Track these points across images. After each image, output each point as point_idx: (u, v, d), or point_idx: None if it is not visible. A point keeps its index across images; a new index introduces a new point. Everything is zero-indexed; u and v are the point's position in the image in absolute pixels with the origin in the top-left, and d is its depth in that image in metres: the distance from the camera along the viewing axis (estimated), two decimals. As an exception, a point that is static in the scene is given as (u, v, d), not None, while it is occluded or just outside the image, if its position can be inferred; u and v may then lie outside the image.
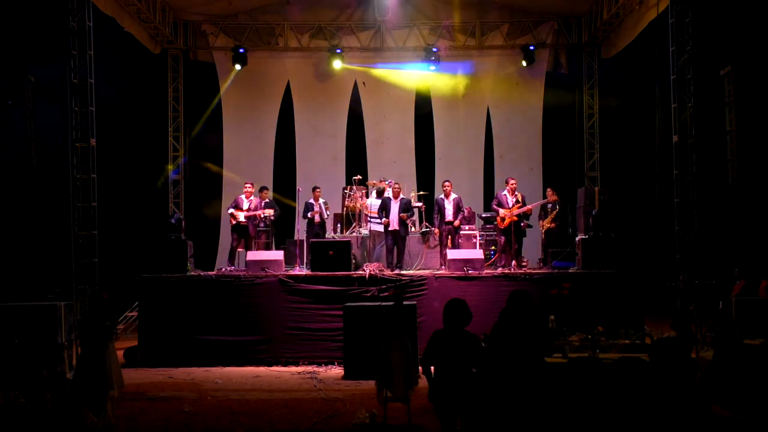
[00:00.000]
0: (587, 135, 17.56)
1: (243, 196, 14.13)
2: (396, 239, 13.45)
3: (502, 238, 14.06)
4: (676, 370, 5.53)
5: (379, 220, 14.02)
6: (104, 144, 13.52)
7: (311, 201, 14.49)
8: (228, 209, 14.19)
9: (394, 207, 13.47)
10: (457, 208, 13.82)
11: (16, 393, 8.89)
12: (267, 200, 14.51)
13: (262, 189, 14.73)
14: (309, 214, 14.37)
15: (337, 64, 17.31)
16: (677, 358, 5.58)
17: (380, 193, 14.73)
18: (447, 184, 14.14)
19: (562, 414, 5.22)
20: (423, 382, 9.81)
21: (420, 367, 7.39)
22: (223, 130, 17.80)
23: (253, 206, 14.04)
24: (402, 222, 13.44)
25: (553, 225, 14.69)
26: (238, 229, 14.07)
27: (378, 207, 13.82)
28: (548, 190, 15.10)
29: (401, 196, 13.73)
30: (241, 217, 13.97)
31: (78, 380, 8.12)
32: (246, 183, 14.35)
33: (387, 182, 14.82)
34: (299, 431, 8.04)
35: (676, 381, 5.47)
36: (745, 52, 15.34)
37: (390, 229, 13.41)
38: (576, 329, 9.66)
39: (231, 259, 14.34)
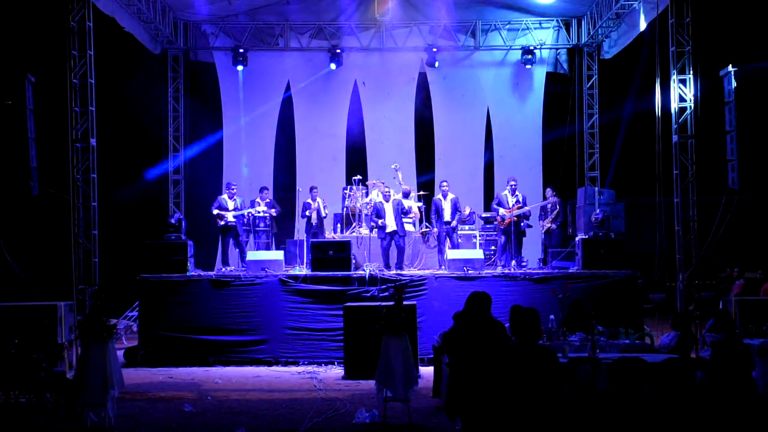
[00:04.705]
0: (587, 135, 17.56)
1: (226, 196, 14.15)
2: (394, 240, 13.44)
3: (502, 238, 14.09)
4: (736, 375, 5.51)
5: (410, 220, 14.13)
6: (104, 144, 13.53)
7: (308, 201, 14.51)
8: (212, 210, 14.19)
9: (388, 209, 13.46)
10: (455, 209, 13.83)
11: (16, 393, 8.89)
12: (268, 200, 14.53)
13: (263, 189, 14.74)
14: (307, 212, 14.40)
15: (337, 64, 17.31)
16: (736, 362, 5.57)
17: (406, 195, 14.75)
18: (445, 184, 14.17)
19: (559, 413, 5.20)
20: (423, 382, 9.88)
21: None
22: (223, 130, 17.79)
23: (239, 205, 14.10)
24: (400, 223, 13.44)
25: (553, 225, 14.69)
26: (226, 230, 14.09)
27: (372, 213, 13.81)
28: (548, 189, 15.11)
29: (392, 197, 13.72)
30: (230, 217, 13.99)
31: (78, 380, 8.13)
32: (231, 184, 14.40)
33: (384, 183, 14.85)
34: (299, 431, 8.04)
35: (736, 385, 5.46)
36: (745, 52, 15.32)
37: (388, 231, 13.40)
38: (576, 329, 9.68)
39: (225, 260, 14.38)
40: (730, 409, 5.39)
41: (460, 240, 14.09)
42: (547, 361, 5.20)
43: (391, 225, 13.39)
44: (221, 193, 14.50)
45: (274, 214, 14.44)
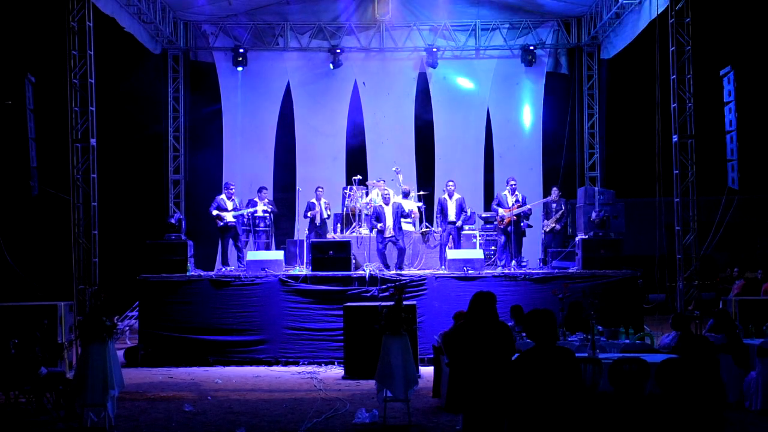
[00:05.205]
0: (587, 135, 17.56)
1: (224, 197, 14.17)
2: (393, 243, 13.41)
3: (502, 238, 14.08)
4: (707, 369, 5.51)
5: (409, 221, 14.11)
6: (104, 144, 13.53)
7: (313, 201, 14.50)
8: (211, 211, 14.18)
9: (388, 213, 13.43)
10: (460, 209, 13.81)
11: (16, 393, 8.89)
12: (267, 200, 14.53)
13: (261, 189, 14.73)
14: (309, 213, 14.40)
15: (337, 64, 17.31)
16: (708, 357, 5.57)
17: (406, 195, 14.73)
18: (450, 183, 14.15)
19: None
20: (423, 382, 9.87)
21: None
22: (223, 130, 17.79)
23: (237, 205, 14.17)
24: (398, 227, 13.41)
25: (557, 226, 14.63)
26: (226, 230, 14.11)
27: (372, 215, 13.77)
28: (553, 189, 15.02)
29: (392, 201, 13.68)
30: (230, 217, 14.01)
31: (78, 380, 8.13)
32: (229, 184, 14.43)
33: (384, 182, 14.83)
34: (299, 431, 8.05)
35: (707, 380, 5.45)
36: (745, 52, 15.34)
37: (387, 235, 13.36)
38: (576, 329, 9.68)
39: (225, 260, 14.37)
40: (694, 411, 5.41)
41: (461, 240, 14.07)
42: (568, 362, 5.18)
43: (389, 230, 13.35)
44: (220, 194, 14.50)
45: (275, 210, 14.49)
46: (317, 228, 14.37)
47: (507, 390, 5.29)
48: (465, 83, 17.83)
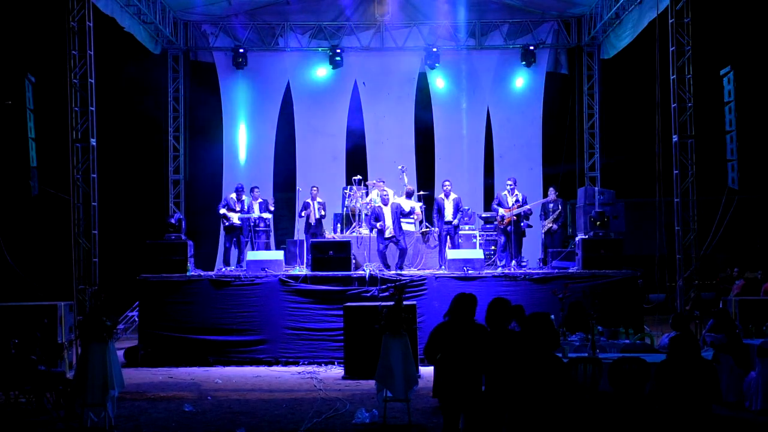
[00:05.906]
0: (587, 135, 17.56)
1: (234, 197, 14.19)
2: (394, 244, 13.40)
3: (502, 238, 14.09)
4: (694, 369, 5.53)
5: (411, 221, 14.10)
6: (104, 144, 13.54)
7: (308, 200, 14.52)
8: (219, 209, 14.23)
9: (387, 213, 13.42)
10: (457, 208, 13.82)
11: (16, 393, 8.90)
12: (261, 200, 14.53)
13: (253, 189, 14.74)
14: (302, 213, 14.42)
15: (337, 65, 17.31)
16: (694, 356, 5.59)
17: (409, 195, 14.71)
18: (447, 183, 14.15)
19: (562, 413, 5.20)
20: (423, 382, 9.88)
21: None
22: (223, 130, 17.79)
23: (246, 208, 14.20)
24: (398, 227, 13.40)
25: (555, 226, 14.61)
26: (231, 230, 14.12)
27: (371, 216, 13.76)
28: (551, 189, 15.03)
29: (390, 201, 13.66)
30: (236, 218, 14.02)
31: (78, 380, 8.13)
32: (242, 187, 14.45)
33: (382, 182, 14.83)
34: (299, 431, 8.05)
35: (694, 379, 5.48)
36: (745, 52, 15.33)
37: (387, 236, 13.34)
38: (576, 329, 9.68)
39: (227, 260, 14.37)
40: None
41: (460, 240, 14.08)
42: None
43: (389, 230, 13.34)
44: (229, 193, 14.51)
45: (272, 209, 14.51)
46: (312, 228, 14.39)
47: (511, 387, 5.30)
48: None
